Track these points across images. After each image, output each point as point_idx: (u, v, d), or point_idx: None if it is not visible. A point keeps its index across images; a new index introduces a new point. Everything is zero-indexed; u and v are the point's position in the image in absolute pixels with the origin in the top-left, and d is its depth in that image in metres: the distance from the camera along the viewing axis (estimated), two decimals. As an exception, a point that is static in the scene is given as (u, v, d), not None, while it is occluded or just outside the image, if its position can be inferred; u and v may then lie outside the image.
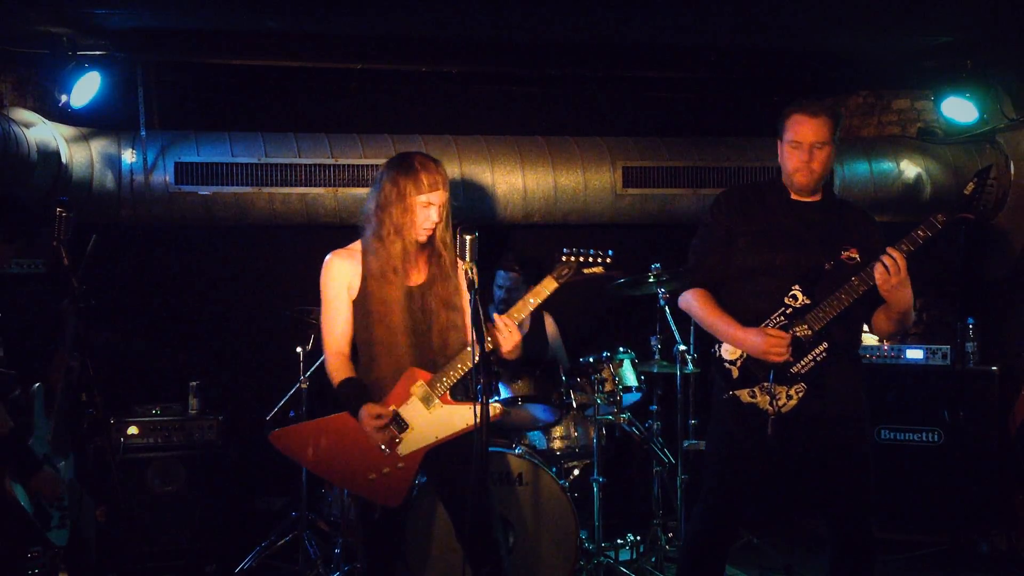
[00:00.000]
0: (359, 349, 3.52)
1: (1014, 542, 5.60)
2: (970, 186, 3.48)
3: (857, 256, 3.55)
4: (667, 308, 5.35)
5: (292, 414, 5.22)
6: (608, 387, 5.07)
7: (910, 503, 5.64)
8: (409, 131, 5.87)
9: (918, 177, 6.08)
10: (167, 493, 5.22)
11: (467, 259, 3.23)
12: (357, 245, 3.56)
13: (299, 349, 5.20)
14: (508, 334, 3.37)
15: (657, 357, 5.52)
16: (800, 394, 3.49)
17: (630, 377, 5.24)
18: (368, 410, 3.38)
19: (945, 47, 5.58)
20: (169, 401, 5.43)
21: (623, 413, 5.21)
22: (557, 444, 5.12)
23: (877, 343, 6.13)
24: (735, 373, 3.54)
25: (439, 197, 3.43)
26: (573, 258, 3.39)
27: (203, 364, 5.85)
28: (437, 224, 3.44)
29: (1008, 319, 6.09)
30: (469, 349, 3.35)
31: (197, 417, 5.36)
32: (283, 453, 3.52)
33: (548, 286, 3.39)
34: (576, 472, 5.21)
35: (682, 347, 5.27)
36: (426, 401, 3.41)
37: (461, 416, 3.42)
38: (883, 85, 6.46)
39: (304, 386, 5.17)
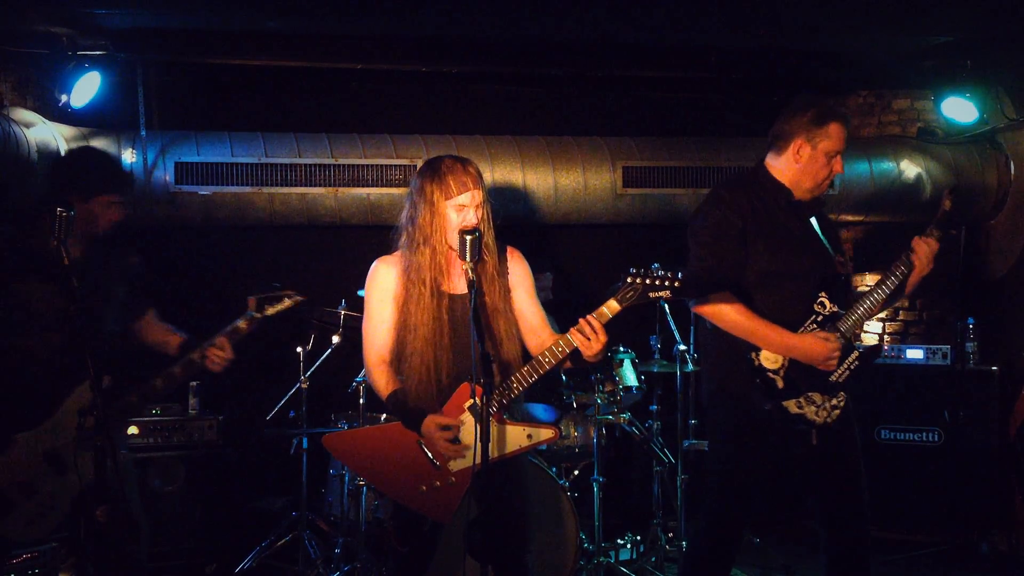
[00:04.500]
0: (399, 361, 3.38)
1: (1014, 542, 5.61)
2: (947, 203, 3.53)
3: (844, 258, 3.58)
4: (667, 308, 5.35)
5: (292, 414, 5.22)
6: (608, 387, 5.07)
7: (910, 503, 5.64)
8: (409, 131, 5.87)
9: (918, 177, 6.08)
10: (167, 493, 5.21)
11: (467, 259, 3.18)
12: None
13: (299, 349, 5.20)
14: (595, 337, 3.14)
15: (657, 357, 5.52)
16: (842, 403, 3.47)
17: (630, 377, 5.24)
18: (434, 421, 3.24)
19: (945, 47, 5.58)
20: (169, 401, 5.43)
21: (623, 413, 5.21)
22: (557, 444, 5.12)
23: (877, 343, 6.14)
24: (780, 383, 3.43)
25: (471, 198, 3.28)
26: (639, 280, 3.10)
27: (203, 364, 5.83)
28: (477, 226, 3.26)
29: (1008, 319, 6.09)
30: (527, 368, 3.24)
31: (197, 417, 5.36)
32: (335, 458, 3.45)
33: (611, 308, 3.14)
34: (576, 472, 5.21)
35: (682, 347, 5.28)
36: (478, 418, 3.19)
37: (514, 438, 3.30)
38: (883, 85, 6.46)
39: (304, 386, 5.17)
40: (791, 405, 3.43)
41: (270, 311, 3.78)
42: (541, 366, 3.24)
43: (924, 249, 3.49)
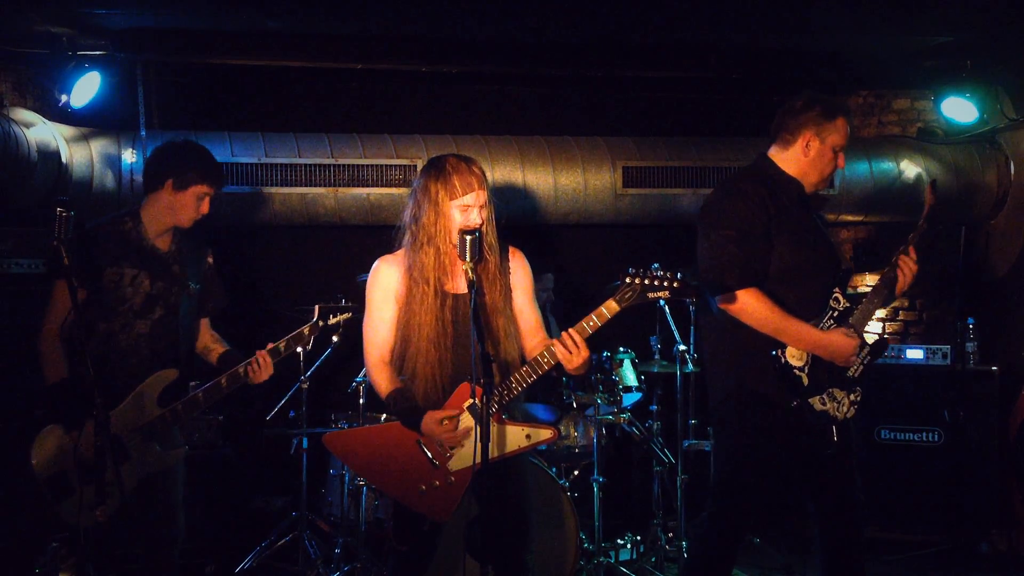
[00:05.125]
0: (401, 360, 3.38)
1: (1014, 542, 5.60)
2: (931, 197, 3.55)
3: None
4: (667, 308, 5.35)
5: (292, 414, 5.22)
6: (608, 387, 5.07)
7: (910, 503, 5.64)
8: (409, 131, 5.87)
9: (918, 177, 6.08)
10: (167, 493, 5.20)
11: (467, 259, 3.17)
12: (403, 252, 3.41)
13: (299, 349, 5.18)
14: (577, 352, 3.16)
15: (657, 357, 5.52)
16: (858, 399, 3.48)
17: (630, 377, 5.24)
18: (432, 417, 3.24)
19: (945, 47, 5.58)
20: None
21: (623, 413, 5.22)
22: (557, 444, 5.12)
23: (882, 336, 6.13)
24: (805, 380, 3.40)
25: (476, 198, 3.26)
26: (638, 280, 3.10)
27: (203, 364, 5.83)
28: (480, 226, 3.25)
29: (1008, 319, 6.09)
30: (527, 367, 3.25)
31: (197, 417, 5.34)
32: (335, 457, 3.45)
33: (610, 309, 3.14)
34: (576, 472, 5.21)
35: (682, 347, 5.28)
36: (478, 418, 3.16)
37: (513, 438, 3.30)
38: (883, 85, 6.46)
39: (304, 386, 5.16)
40: (816, 402, 3.41)
41: (332, 320, 3.94)
42: (536, 371, 3.25)
43: (907, 264, 3.52)
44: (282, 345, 3.83)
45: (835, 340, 3.39)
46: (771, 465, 3.49)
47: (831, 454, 3.48)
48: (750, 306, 3.37)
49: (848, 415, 3.46)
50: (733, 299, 3.39)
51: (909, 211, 6.13)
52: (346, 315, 3.92)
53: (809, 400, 3.41)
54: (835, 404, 3.44)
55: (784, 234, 3.42)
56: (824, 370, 3.41)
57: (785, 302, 3.40)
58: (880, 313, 6.50)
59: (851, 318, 3.45)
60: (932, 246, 3.62)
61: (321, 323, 3.89)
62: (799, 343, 3.39)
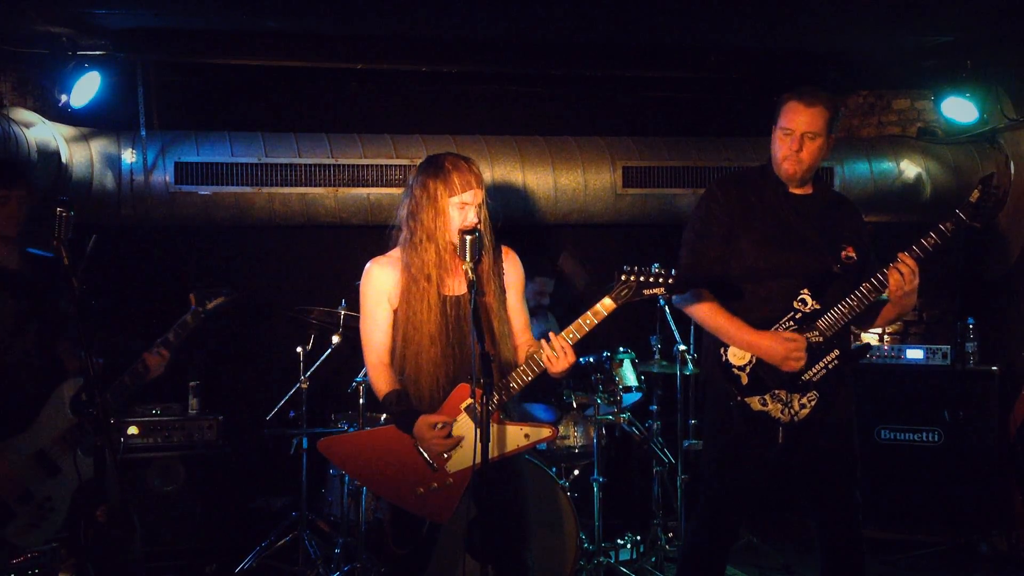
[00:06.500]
0: (402, 360, 3.37)
1: (1014, 542, 5.60)
2: (975, 194, 3.32)
3: (854, 254, 3.48)
4: (667, 308, 5.36)
5: (292, 414, 5.23)
6: (608, 387, 5.07)
7: (910, 503, 5.64)
8: (409, 131, 5.87)
9: (918, 177, 6.08)
10: (167, 493, 5.21)
11: (467, 259, 3.17)
12: (397, 252, 3.40)
13: (299, 349, 5.19)
14: (563, 356, 3.20)
15: (657, 357, 5.52)
16: (813, 403, 3.42)
17: (630, 377, 5.24)
18: (425, 421, 3.24)
19: (945, 47, 5.58)
20: (169, 401, 5.43)
21: (623, 413, 5.22)
22: (557, 444, 5.12)
23: (877, 343, 6.13)
24: (744, 379, 3.43)
25: (474, 197, 3.27)
26: (633, 277, 3.13)
27: (203, 364, 5.84)
28: (477, 226, 3.26)
29: (1008, 319, 6.09)
30: (524, 368, 3.25)
31: (197, 417, 5.36)
32: (332, 461, 3.44)
33: (606, 307, 3.18)
34: (576, 472, 5.21)
35: (682, 347, 5.28)
36: (476, 419, 3.16)
37: (512, 437, 3.31)
38: (883, 85, 6.46)
39: (304, 386, 5.16)
40: (754, 402, 3.42)
41: (210, 305, 4.03)
42: (531, 372, 3.26)
43: (900, 274, 3.30)
44: (171, 336, 3.93)
45: (763, 342, 3.38)
46: (737, 460, 3.50)
47: (786, 455, 3.44)
48: (692, 304, 3.48)
49: (796, 419, 3.42)
50: (684, 299, 3.50)
51: (909, 211, 6.14)
52: (220, 299, 4.03)
53: (747, 400, 3.42)
54: (780, 406, 3.41)
55: (750, 233, 3.45)
56: (769, 371, 3.40)
57: (748, 301, 3.44)
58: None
59: (819, 320, 3.41)
60: (944, 253, 3.43)
61: (200, 309, 4.01)
62: (733, 342, 3.44)
